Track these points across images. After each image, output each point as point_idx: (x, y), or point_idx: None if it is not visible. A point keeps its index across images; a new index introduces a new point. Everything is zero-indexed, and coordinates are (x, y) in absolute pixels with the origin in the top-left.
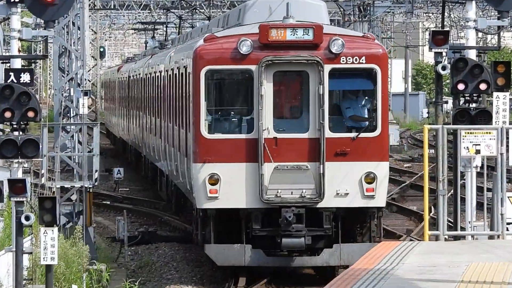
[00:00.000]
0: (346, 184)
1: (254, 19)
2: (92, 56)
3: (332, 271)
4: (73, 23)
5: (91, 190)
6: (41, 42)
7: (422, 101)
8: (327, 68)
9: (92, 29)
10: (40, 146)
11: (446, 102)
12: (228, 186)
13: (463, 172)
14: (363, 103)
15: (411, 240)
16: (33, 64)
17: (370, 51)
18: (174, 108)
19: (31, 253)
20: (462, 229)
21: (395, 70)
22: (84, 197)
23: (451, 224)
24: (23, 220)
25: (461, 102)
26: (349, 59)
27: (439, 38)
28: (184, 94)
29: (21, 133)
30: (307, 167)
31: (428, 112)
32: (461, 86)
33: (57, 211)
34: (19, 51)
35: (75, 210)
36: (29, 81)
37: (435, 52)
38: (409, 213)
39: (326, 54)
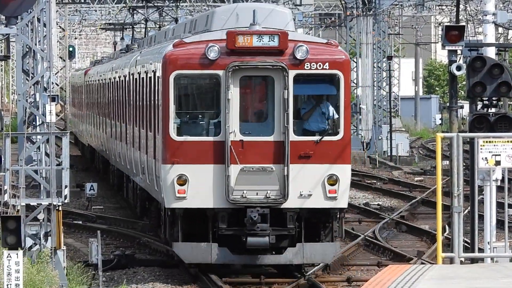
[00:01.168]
0: (309, 185)
1: (221, 26)
2: (60, 57)
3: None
4: (38, 19)
5: (60, 208)
6: (2, 41)
7: (435, 106)
8: (292, 73)
9: (60, 26)
10: (2, 159)
11: (462, 107)
12: (196, 187)
13: (482, 186)
14: (325, 108)
15: (422, 263)
16: None
17: (334, 57)
18: (141, 112)
19: None
20: (480, 250)
21: (404, 70)
22: (53, 216)
23: (467, 245)
24: None
25: (479, 107)
26: (313, 65)
27: (453, 34)
28: (152, 98)
29: None
30: (272, 169)
31: (441, 119)
32: (478, 89)
33: (22, 232)
34: None
35: (42, 231)
36: None
37: (448, 50)
38: (420, 233)
39: (291, 60)
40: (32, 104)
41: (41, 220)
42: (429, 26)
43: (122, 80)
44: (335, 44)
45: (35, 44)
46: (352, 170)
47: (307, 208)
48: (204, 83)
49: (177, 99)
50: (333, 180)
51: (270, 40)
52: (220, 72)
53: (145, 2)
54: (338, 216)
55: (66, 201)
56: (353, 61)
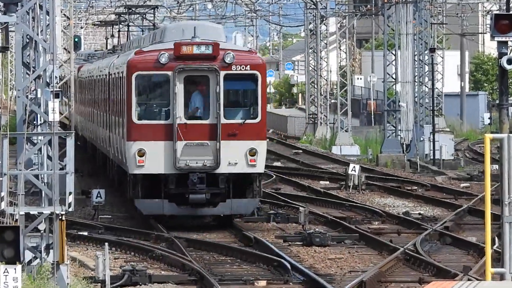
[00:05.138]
0: (235, 156)
1: (171, 38)
2: (65, 48)
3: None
4: (41, 7)
5: (63, 218)
6: (0, 30)
7: (483, 104)
8: (222, 73)
9: (64, 14)
10: None
11: None
12: (152, 157)
13: None
14: (248, 99)
15: (469, 279)
16: None
17: (253, 61)
18: (114, 103)
19: None
20: None
21: (448, 64)
22: (55, 226)
23: None
24: None
25: None
26: (238, 67)
27: (503, 23)
28: (121, 92)
29: None
30: (208, 144)
31: (490, 118)
32: None
33: (20, 244)
34: None
35: (43, 243)
36: None
37: (498, 42)
38: (467, 246)
39: (221, 63)
40: (33, 101)
41: (42, 231)
42: (476, 15)
43: (104, 78)
44: (254, 51)
45: (37, 34)
46: (390, 175)
47: (234, 173)
48: (157, 80)
49: (137, 93)
50: (253, 152)
51: (206, 49)
52: (169, 73)
53: (127, 9)
54: (257, 178)
55: (70, 209)
56: (392, 53)
